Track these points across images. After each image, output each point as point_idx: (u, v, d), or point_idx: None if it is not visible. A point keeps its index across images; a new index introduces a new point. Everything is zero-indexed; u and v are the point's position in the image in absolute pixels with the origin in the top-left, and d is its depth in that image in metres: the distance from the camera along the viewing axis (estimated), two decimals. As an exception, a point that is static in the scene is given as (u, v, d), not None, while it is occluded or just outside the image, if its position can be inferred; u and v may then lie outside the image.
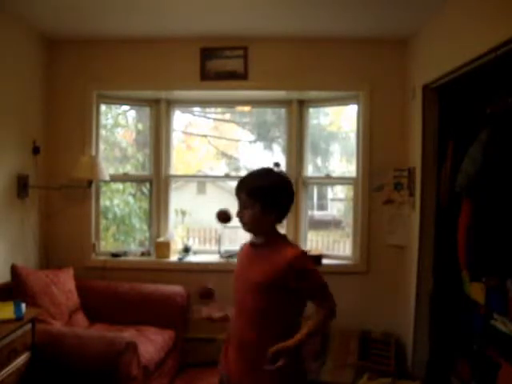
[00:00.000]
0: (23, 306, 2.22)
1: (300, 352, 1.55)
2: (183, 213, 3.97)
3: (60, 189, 3.25)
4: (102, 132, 3.56)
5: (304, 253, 1.61)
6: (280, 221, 1.64)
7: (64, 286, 2.82)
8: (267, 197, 1.55)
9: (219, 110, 4.29)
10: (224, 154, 4.57)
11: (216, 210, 3.15)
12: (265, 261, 1.56)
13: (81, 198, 3.30)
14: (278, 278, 1.51)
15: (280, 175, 1.63)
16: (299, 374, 1.60)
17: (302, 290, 1.53)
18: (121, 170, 3.68)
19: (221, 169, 4.41)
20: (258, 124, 4.26)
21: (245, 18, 2.88)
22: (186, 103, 3.78)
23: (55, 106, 3.31)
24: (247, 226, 1.61)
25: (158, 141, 3.53)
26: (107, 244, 3.72)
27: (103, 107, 3.52)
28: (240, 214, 1.61)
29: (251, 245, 1.66)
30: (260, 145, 4.29)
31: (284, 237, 1.66)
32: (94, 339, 2.32)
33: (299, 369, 1.59)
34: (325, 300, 1.57)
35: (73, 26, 3.04)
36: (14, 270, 2.58)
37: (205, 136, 4.56)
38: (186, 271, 3.30)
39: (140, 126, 3.91)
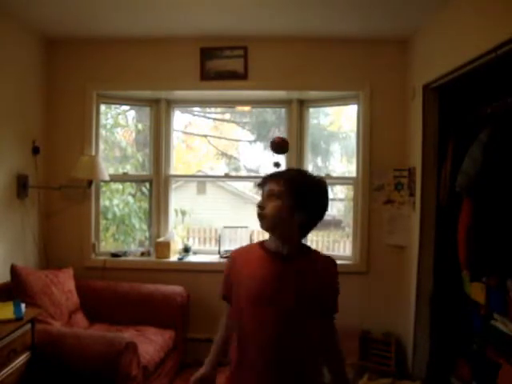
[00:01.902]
0: (23, 306, 2.22)
1: None
2: (183, 213, 3.97)
3: (60, 189, 3.24)
4: (102, 132, 3.56)
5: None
6: (305, 231, 1.37)
7: (64, 286, 2.82)
8: (300, 191, 1.29)
9: (219, 109, 4.29)
10: (224, 154, 4.58)
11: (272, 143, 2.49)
12: (308, 279, 1.31)
13: (80, 198, 3.30)
14: (329, 298, 1.38)
15: (321, 178, 1.39)
16: None
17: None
18: (120, 170, 3.68)
19: (221, 169, 4.41)
20: (257, 124, 4.26)
21: (245, 17, 2.88)
22: (186, 103, 3.78)
23: (55, 105, 3.31)
24: (267, 220, 1.31)
25: (157, 141, 3.52)
26: (107, 244, 3.72)
27: (103, 107, 3.51)
28: (262, 205, 1.32)
29: (272, 256, 1.33)
30: (260, 145, 4.29)
31: (309, 247, 1.42)
32: (93, 339, 2.31)
33: None
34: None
35: (73, 25, 3.04)
36: (14, 270, 2.57)
37: (205, 136, 4.56)
38: (186, 271, 3.30)
39: (140, 126, 3.91)
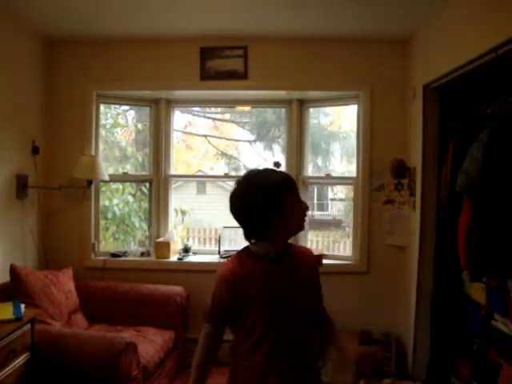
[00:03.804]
0: (22, 306, 2.21)
1: None
2: (183, 213, 3.97)
3: (59, 189, 3.24)
4: (102, 132, 3.56)
5: None
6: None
7: (63, 286, 2.81)
8: None
9: (219, 109, 4.28)
10: (224, 154, 4.57)
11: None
12: (300, 272, 1.39)
13: (80, 198, 3.29)
14: (317, 284, 1.47)
15: None
16: None
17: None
18: (120, 170, 3.68)
19: (221, 169, 4.41)
20: (258, 124, 4.26)
21: (245, 17, 2.87)
22: (186, 103, 3.78)
23: (55, 105, 3.30)
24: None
25: (157, 141, 3.52)
26: (107, 244, 3.72)
27: (102, 107, 3.51)
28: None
29: (267, 261, 1.36)
30: (260, 145, 4.28)
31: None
32: (93, 340, 2.31)
33: None
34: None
35: (73, 26, 3.04)
36: (13, 270, 2.57)
37: (205, 136, 4.55)
38: (186, 271, 3.29)
39: (140, 126, 3.90)
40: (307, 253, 1.51)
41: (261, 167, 1.43)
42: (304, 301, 1.40)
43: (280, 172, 1.39)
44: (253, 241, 1.39)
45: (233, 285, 1.33)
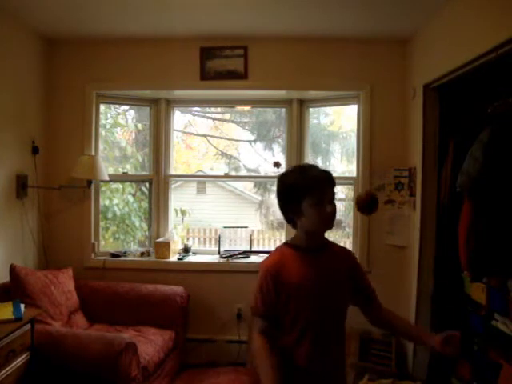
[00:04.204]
0: (22, 306, 2.21)
1: None
2: (183, 213, 3.96)
3: (59, 189, 3.24)
4: (102, 132, 3.56)
5: None
6: None
7: (63, 286, 2.81)
8: None
9: (219, 109, 4.28)
10: (224, 154, 4.56)
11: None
12: (334, 270, 1.46)
13: (80, 197, 3.29)
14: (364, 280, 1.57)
15: None
16: None
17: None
18: (120, 170, 3.67)
19: (221, 169, 4.40)
20: (258, 124, 4.25)
21: (245, 17, 2.87)
22: (186, 103, 3.77)
23: (54, 105, 3.30)
24: (334, 220, 1.46)
25: (157, 140, 3.52)
26: (107, 244, 3.72)
27: (102, 107, 3.50)
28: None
29: (301, 250, 1.45)
30: (260, 145, 4.27)
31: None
32: (93, 340, 2.31)
33: None
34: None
35: (73, 26, 3.04)
36: (13, 270, 2.57)
37: (205, 136, 4.55)
38: (186, 271, 3.29)
39: (139, 126, 3.90)
40: (345, 253, 1.57)
41: (307, 162, 1.50)
42: (339, 298, 1.46)
43: (309, 172, 1.43)
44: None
45: (274, 273, 1.39)
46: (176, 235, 3.57)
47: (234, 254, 3.39)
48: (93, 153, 3.30)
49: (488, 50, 2.08)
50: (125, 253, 3.43)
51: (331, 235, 4.58)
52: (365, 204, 2.81)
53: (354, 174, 3.37)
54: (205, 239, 5.08)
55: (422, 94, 2.86)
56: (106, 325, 2.88)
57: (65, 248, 3.28)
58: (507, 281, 2.17)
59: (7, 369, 1.98)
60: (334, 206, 1.42)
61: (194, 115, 4.26)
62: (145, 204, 3.71)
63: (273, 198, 4.92)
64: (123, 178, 3.67)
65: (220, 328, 3.26)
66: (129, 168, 3.73)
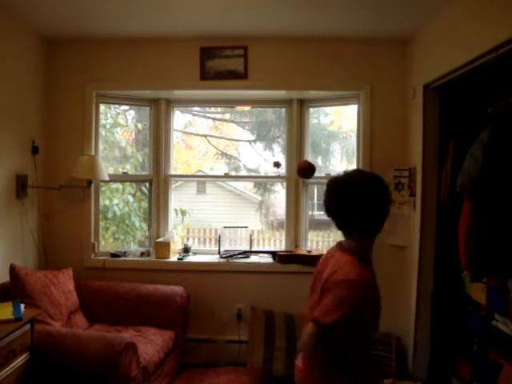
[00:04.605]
0: (22, 306, 2.21)
1: None
2: (183, 213, 3.96)
3: (59, 189, 3.24)
4: (102, 132, 3.56)
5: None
6: None
7: (63, 286, 2.81)
8: None
9: (219, 109, 4.28)
10: (224, 154, 4.56)
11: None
12: None
13: (80, 197, 3.29)
14: None
15: None
16: None
17: None
18: (120, 170, 3.67)
19: (221, 169, 4.40)
20: (258, 124, 4.25)
21: (245, 17, 2.87)
22: (186, 103, 3.77)
23: (54, 105, 3.30)
24: None
25: (157, 140, 3.52)
26: (107, 244, 3.71)
27: (102, 107, 3.50)
28: None
29: (368, 263, 1.65)
30: (260, 145, 4.28)
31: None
32: (93, 340, 2.31)
33: None
34: None
35: (73, 26, 3.04)
36: (13, 270, 2.57)
37: (205, 136, 4.55)
38: (186, 271, 3.29)
39: (139, 126, 3.90)
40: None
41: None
42: None
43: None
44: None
45: (375, 284, 1.51)
46: (176, 235, 3.57)
47: (234, 254, 3.39)
48: (93, 153, 3.30)
49: (488, 50, 2.08)
50: (125, 253, 3.43)
51: (331, 235, 4.58)
52: (303, 170, 3.17)
53: (354, 174, 3.36)
54: (205, 239, 5.08)
55: (422, 94, 2.86)
56: (106, 325, 2.88)
57: (65, 248, 3.28)
58: (507, 281, 2.17)
59: (7, 369, 1.98)
60: None
61: (194, 115, 4.26)
62: (145, 204, 3.71)
63: (273, 198, 4.92)
64: (123, 178, 3.67)
65: (220, 328, 3.26)
66: (129, 168, 3.73)
